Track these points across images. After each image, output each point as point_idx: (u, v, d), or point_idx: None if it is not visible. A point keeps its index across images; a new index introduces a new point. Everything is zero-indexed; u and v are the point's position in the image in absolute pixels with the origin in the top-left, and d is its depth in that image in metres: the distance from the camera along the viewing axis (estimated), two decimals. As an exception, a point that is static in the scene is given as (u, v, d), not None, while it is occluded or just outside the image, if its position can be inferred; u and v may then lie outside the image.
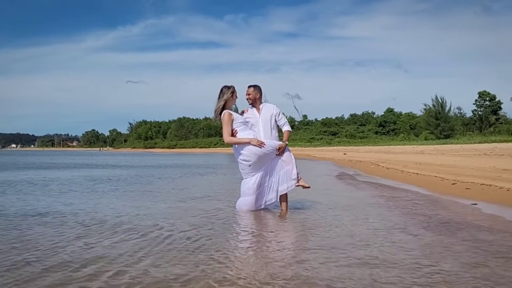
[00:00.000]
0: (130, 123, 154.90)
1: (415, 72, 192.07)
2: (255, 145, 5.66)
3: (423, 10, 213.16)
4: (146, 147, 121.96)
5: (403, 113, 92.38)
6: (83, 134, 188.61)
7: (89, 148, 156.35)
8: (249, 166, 5.73)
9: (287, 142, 5.95)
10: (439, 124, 57.75)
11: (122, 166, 22.22)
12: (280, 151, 5.82)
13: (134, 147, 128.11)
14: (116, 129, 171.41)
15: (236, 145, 5.79)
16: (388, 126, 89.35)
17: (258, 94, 6.19)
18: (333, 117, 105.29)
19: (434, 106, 60.71)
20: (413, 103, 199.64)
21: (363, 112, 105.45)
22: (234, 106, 6.04)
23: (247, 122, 5.96)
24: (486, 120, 66.69)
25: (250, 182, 5.79)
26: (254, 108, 6.21)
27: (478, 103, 74.29)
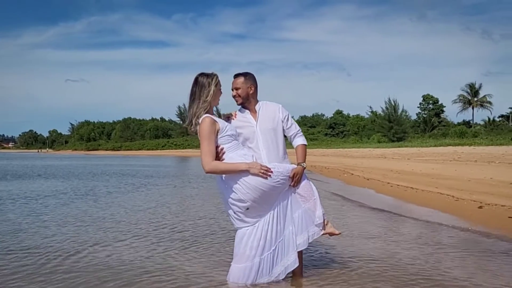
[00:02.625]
0: (72, 124, 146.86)
1: (357, 76, 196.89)
2: (257, 175, 3.27)
3: (366, 16, 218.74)
4: (88, 149, 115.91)
5: (351, 115, 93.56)
6: (20, 135, 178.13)
7: (26, 150, 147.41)
8: (247, 209, 3.33)
9: (304, 165, 3.59)
10: (392, 127, 57.93)
11: (57, 176, 19.27)
12: (295, 179, 3.47)
13: (75, 149, 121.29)
14: (56, 130, 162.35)
15: (224, 175, 3.37)
16: (338, 128, 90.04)
17: (253, 88, 3.69)
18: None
19: (387, 109, 61.12)
20: (357, 105, 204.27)
21: (313, 114, 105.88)
22: (215, 108, 3.55)
23: (238, 134, 3.55)
24: (430, 123, 68.53)
25: (251, 237, 3.35)
26: (247, 111, 3.71)
27: (422, 106, 76.65)
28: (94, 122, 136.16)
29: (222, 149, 3.35)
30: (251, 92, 3.66)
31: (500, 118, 73.39)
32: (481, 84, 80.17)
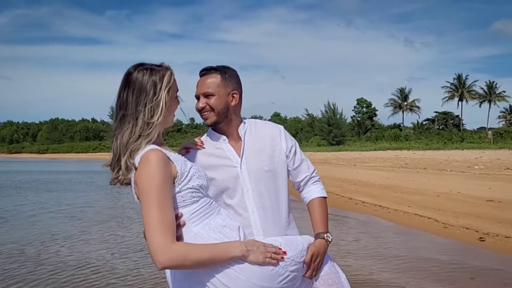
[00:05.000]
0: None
1: (291, 78, 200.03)
2: (261, 263, 1.68)
3: (299, 20, 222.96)
4: (11, 152, 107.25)
5: (288, 117, 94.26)
6: None
7: None
8: None
9: (329, 237, 2.04)
10: (331, 130, 58.33)
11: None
12: (314, 265, 1.92)
13: (9, 151, 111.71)
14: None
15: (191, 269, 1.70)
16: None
17: (237, 96, 2.07)
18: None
19: (326, 112, 61.72)
20: (292, 107, 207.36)
21: (251, 116, 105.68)
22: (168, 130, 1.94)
23: (210, 180, 1.93)
24: (364, 126, 70.55)
25: None
26: (224, 138, 2.12)
27: (356, 110, 78.80)
28: (18, 122, 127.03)
29: (179, 215, 1.68)
30: (232, 103, 2.02)
31: (427, 122, 77.19)
32: (411, 88, 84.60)
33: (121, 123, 1.68)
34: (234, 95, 2.02)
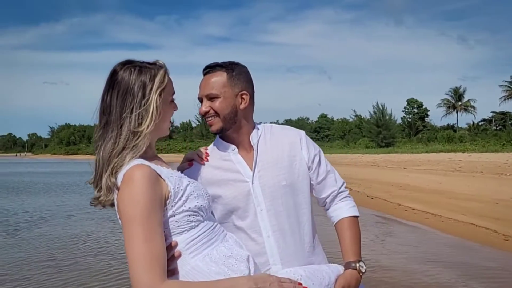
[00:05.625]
0: (51, 127, 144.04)
1: (338, 79, 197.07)
2: None
3: (346, 20, 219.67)
4: (68, 153, 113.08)
5: (335, 119, 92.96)
6: None
7: (5, 154, 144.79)
8: None
9: (362, 267, 1.69)
10: (380, 132, 56.91)
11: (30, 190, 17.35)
12: None
13: (54, 153, 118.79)
14: (36, 133, 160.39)
15: None
16: (323, 132, 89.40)
17: (246, 97, 1.73)
18: (267, 122, 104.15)
19: (375, 113, 60.33)
20: (339, 109, 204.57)
21: (298, 118, 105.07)
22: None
23: (214, 201, 1.70)
24: (415, 127, 68.23)
25: None
26: (232, 148, 1.79)
27: (406, 110, 76.40)
28: (75, 125, 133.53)
29: (174, 246, 1.40)
30: (242, 106, 1.72)
31: (483, 122, 73.57)
32: (465, 88, 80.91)
33: (103, 132, 1.40)
34: (244, 96, 1.70)
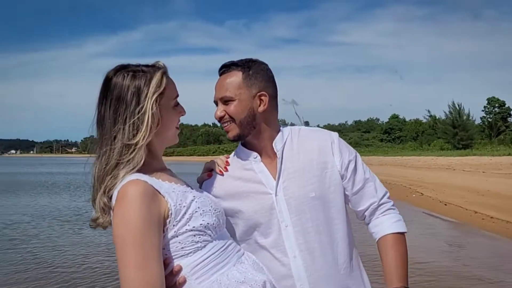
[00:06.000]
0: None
1: (410, 78, 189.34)
2: None
3: (419, 16, 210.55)
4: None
5: (407, 119, 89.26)
6: (82, 140, 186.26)
7: (87, 155, 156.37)
8: None
9: None
10: (456, 133, 53.77)
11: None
12: None
13: None
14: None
15: None
16: (394, 133, 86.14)
17: (265, 98, 1.52)
18: (336, 124, 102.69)
19: (450, 113, 57.27)
20: (412, 109, 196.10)
21: (368, 119, 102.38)
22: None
23: (233, 216, 1.56)
24: (496, 127, 63.83)
25: None
26: (254, 155, 1.58)
27: (487, 110, 71.55)
28: None
29: (177, 270, 1.24)
30: (260, 108, 1.53)
31: None
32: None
33: (99, 147, 1.27)
34: (262, 97, 1.51)
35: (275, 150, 1.54)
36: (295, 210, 1.49)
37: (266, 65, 1.57)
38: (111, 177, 1.22)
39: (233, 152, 1.66)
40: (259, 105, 1.51)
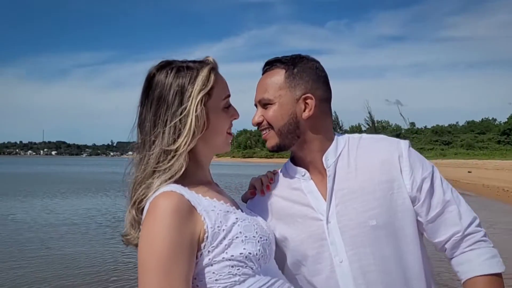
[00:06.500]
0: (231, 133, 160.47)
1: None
2: None
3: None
4: (244, 157, 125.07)
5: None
6: None
7: (216, 159, 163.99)
8: None
9: None
10: None
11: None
12: None
13: (233, 156, 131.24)
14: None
15: None
16: (514, 135, 78.47)
17: (312, 101, 1.27)
18: (446, 125, 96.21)
19: None
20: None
21: (482, 119, 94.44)
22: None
23: (283, 241, 1.30)
24: None
25: None
26: (302, 172, 1.33)
27: None
28: (251, 130, 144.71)
29: None
30: (305, 114, 1.29)
31: None
32: None
33: (138, 153, 1.14)
34: (308, 101, 1.27)
35: (324, 165, 1.28)
36: (351, 242, 1.22)
37: (317, 62, 1.35)
38: (145, 187, 1.09)
39: (283, 166, 1.43)
40: (304, 110, 1.28)
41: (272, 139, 1.31)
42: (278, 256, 1.26)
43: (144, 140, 1.11)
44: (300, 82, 1.27)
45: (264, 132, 1.32)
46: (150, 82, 1.13)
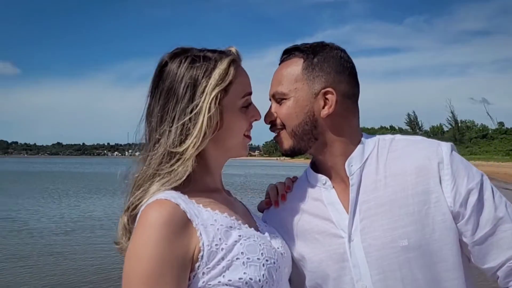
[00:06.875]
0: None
1: None
2: None
3: None
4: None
5: None
6: (263, 144, 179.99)
7: (268, 158, 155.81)
8: None
9: None
10: None
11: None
12: None
13: (307, 158, 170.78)
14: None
15: None
16: None
17: (333, 96, 1.08)
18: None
19: None
20: None
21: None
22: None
23: (300, 260, 1.11)
24: None
25: None
26: (323, 180, 1.13)
27: None
28: None
29: None
30: (324, 112, 1.12)
31: None
32: None
33: (142, 150, 1.03)
34: (328, 96, 1.10)
35: (347, 172, 1.11)
36: (377, 265, 1.05)
37: (343, 51, 1.16)
38: (142, 191, 0.98)
39: (304, 172, 1.23)
40: (323, 107, 1.10)
41: (285, 141, 1.14)
42: (297, 278, 1.15)
43: (149, 137, 1.01)
44: (320, 74, 1.11)
45: (276, 132, 1.15)
46: (161, 71, 1.02)
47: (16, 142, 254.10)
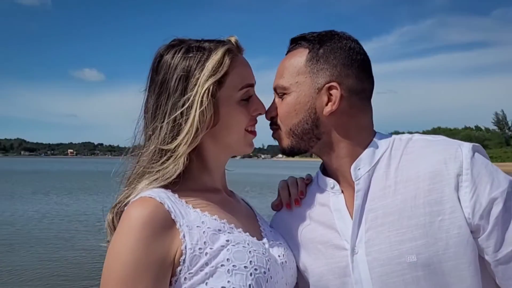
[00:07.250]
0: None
1: None
2: None
3: None
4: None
5: None
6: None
7: (288, 158, 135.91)
8: None
9: None
10: None
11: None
12: None
13: None
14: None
15: None
16: None
17: (337, 92, 0.99)
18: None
19: None
20: None
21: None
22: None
23: (305, 271, 1.05)
24: None
25: None
26: (330, 183, 1.05)
27: None
28: (403, 132, 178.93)
29: None
30: (327, 109, 1.03)
31: None
32: None
33: (137, 148, 1.01)
34: (332, 91, 1.02)
35: (353, 177, 1.02)
36: (381, 282, 0.96)
37: (354, 41, 1.07)
38: (131, 188, 0.96)
39: (316, 173, 1.15)
40: (326, 103, 1.02)
41: (284, 140, 1.07)
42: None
43: (143, 133, 0.98)
44: (324, 67, 1.02)
45: (273, 129, 1.07)
46: (157, 64, 0.99)
47: (102, 144, 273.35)
